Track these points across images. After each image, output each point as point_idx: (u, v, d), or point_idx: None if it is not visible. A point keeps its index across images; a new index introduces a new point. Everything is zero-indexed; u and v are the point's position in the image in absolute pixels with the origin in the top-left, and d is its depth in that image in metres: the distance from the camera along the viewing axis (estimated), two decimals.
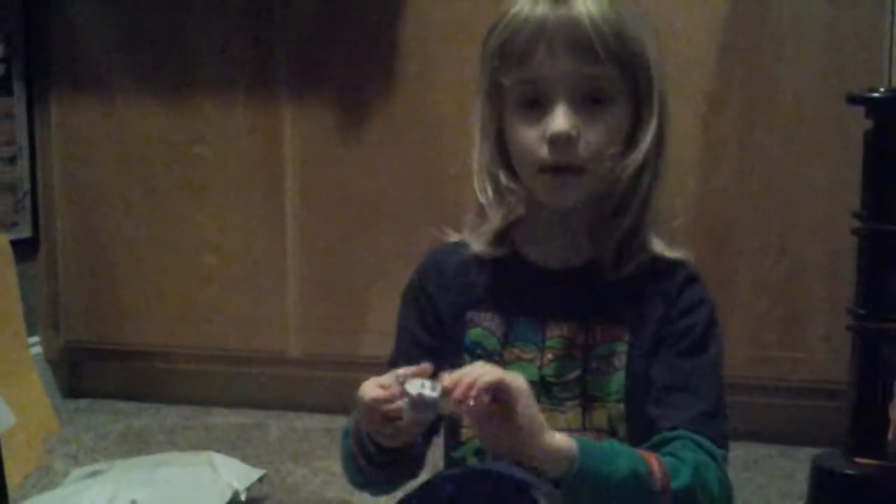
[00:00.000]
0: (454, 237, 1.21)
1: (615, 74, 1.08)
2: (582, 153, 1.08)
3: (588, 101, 1.08)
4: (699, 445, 1.07)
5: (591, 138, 1.08)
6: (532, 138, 1.09)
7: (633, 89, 1.10)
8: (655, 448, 1.07)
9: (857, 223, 1.60)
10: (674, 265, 1.15)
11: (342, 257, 2.31)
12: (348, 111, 2.28)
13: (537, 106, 1.09)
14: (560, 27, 1.06)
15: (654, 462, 1.03)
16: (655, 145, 1.12)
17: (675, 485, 1.03)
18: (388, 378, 1.01)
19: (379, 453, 1.08)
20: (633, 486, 1.01)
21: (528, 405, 0.99)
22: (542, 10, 1.07)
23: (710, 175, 2.12)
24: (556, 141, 1.07)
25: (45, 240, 2.46)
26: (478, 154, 1.16)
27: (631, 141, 1.11)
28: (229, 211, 2.36)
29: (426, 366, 1.01)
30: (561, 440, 1.01)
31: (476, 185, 1.16)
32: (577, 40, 1.06)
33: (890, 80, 1.98)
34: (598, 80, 1.08)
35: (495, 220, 1.15)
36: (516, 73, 1.10)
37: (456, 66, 2.13)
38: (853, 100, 1.61)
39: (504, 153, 1.14)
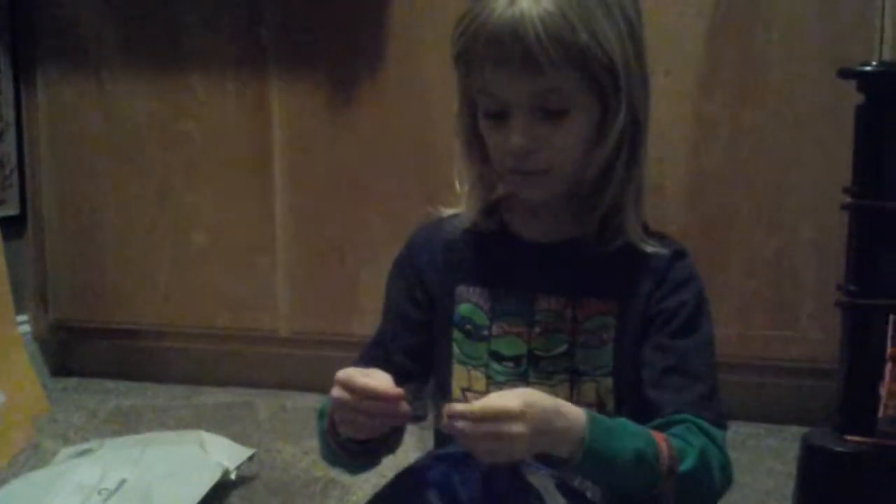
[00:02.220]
0: (446, 212, 1.21)
1: (570, 80, 1.06)
2: (544, 161, 1.09)
3: (546, 112, 1.07)
4: (702, 429, 1.07)
5: (552, 147, 1.08)
6: (498, 145, 1.10)
7: (597, 87, 1.07)
8: (661, 430, 1.07)
9: (848, 199, 1.60)
10: (662, 242, 1.15)
11: (332, 236, 2.30)
12: (338, 89, 2.26)
13: (500, 115, 1.09)
14: (508, 42, 1.03)
15: (663, 445, 1.03)
16: (629, 132, 1.10)
17: (681, 468, 1.03)
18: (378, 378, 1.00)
19: (351, 442, 1.08)
20: (638, 467, 1.01)
21: (523, 415, 0.96)
22: (493, 19, 1.04)
23: (701, 154, 2.12)
24: (516, 154, 1.08)
25: (33, 217, 2.45)
26: (458, 143, 1.17)
27: (598, 139, 1.10)
28: (218, 189, 2.35)
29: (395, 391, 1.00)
30: (570, 424, 1.00)
31: (455, 172, 1.18)
32: (525, 54, 1.03)
33: (881, 55, 1.98)
34: (551, 93, 1.06)
35: (479, 199, 1.17)
36: (476, 83, 1.10)
37: (445, 45, 2.11)
38: (845, 74, 1.60)
39: (482, 142, 1.14)
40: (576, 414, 1.01)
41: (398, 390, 0.99)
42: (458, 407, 0.97)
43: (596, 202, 1.12)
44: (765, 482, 1.87)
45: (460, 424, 0.96)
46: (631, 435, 1.03)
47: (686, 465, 1.03)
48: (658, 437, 1.04)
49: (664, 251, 1.14)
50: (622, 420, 1.05)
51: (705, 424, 1.08)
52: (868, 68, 1.58)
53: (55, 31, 2.38)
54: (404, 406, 0.99)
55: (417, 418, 1.02)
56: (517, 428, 0.95)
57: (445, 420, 0.97)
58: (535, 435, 0.97)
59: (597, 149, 1.09)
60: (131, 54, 2.35)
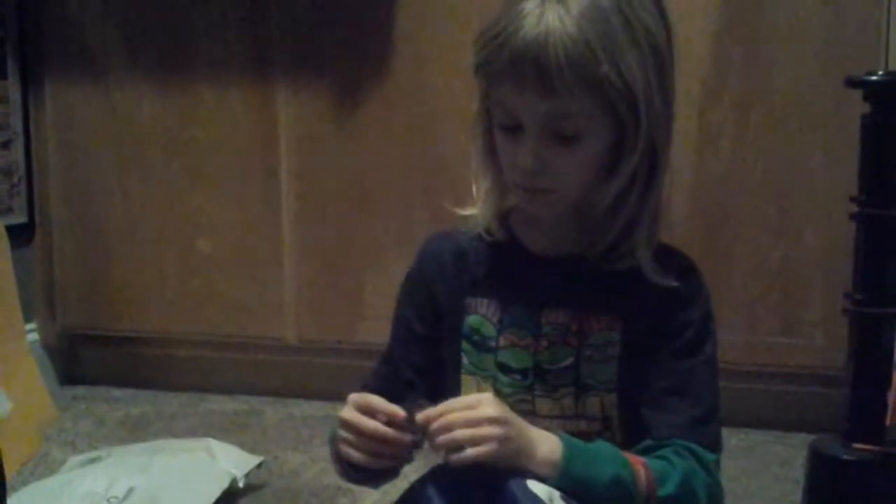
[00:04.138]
0: (458, 213, 1.21)
1: (585, 107, 1.04)
2: (550, 181, 1.08)
3: (558, 135, 1.06)
4: (691, 452, 1.08)
5: (561, 170, 1.08)
6: (508, 158, 1.10)
7: (614, 117, 1.06)
8: (647, 452, 1.08)
9: (855, 208, 1.60)
10: (671, 256, 1.14)
11: (339, 242, 2.30)
12: (344, 94, 2.27)
13: (514, 129, 1.08)
14: (528, 62, 1.03)
15: (640, 469, 1.04)
16: (647, 164, 1.09)
17: (661, 492, 1.04)
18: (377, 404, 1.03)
19: (352, 469, 1.09)
20: (616, 491, 1.02)
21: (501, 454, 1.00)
22: (518, 37, 1.03)
23: (707, 160, 2.11)
24: (523, 172, 1.08)
25: (41, 225, 2.45)
26: (474, 148, 1.17)
27: (612, 166, 1.09)
28: (225, 195, 2.35)
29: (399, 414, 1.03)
30: (546, 450, 1.02)
31: (472, 175, 1.18)
32: (542, 76, 1.02)
33: (887, 65, 1.98)
34: (564, 117, 1.05)
35: (493, 204, 1.17)
36: (493, 95, 1.10)
37: (452, 50, 2.13)
38: (852, 83, 1.60)
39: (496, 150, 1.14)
40: (551, 437, 1.03)
41: (400, 413, 1.02)
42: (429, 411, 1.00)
43: (605, 226, 1.11)
44: (771, 489, 1.87)
45: (431, 424, 0.99)
46: (607, 460, 1.04)
47: (667, 488, 1.04)
48: (636, 462, 1.05)
49: (674, 267, 1.12)
50: (599, 444, 1.07)
51: (695, 448, 1.08)
52: (874, 78, 1.58)
53: (63, 40, 2.39)
54: (406, 437, 1.01)
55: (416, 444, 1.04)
56: (489, 411, 1.00)
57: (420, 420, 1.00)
58: (509, 440, 0.99)
59: (610, 177, 1.09)
60: (138, 61, 2.36)
